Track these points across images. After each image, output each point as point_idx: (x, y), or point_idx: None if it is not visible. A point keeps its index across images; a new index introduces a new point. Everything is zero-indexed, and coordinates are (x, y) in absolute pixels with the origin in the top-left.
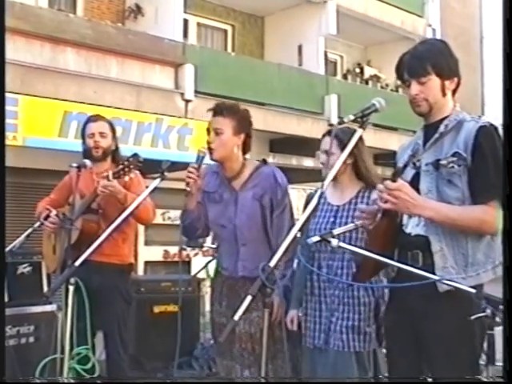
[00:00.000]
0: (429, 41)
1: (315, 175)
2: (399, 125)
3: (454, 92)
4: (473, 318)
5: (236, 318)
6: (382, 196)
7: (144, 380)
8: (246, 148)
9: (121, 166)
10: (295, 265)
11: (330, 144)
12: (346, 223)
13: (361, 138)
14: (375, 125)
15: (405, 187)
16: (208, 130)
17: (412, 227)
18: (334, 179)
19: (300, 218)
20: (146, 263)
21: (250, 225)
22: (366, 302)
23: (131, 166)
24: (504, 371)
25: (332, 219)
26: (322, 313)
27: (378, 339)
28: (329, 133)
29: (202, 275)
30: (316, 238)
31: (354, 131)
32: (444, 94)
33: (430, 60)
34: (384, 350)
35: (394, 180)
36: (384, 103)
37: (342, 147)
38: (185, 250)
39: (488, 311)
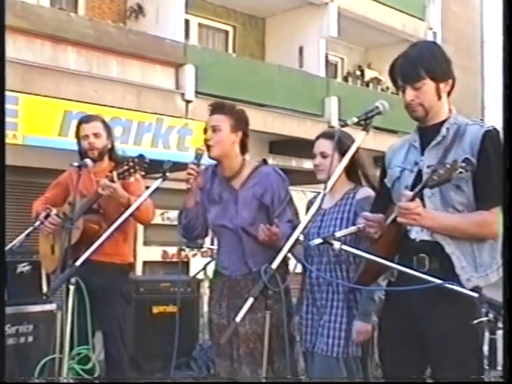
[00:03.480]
0: (420, 44)
1: (315, 177)
2: (399, 128)
3: (448, 94)
4: (475, 322)
5: (237, 319)
6: (407, 217)
7: (143, 381)
8: (243, 148)
9: (126, 167)
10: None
11: (333, 148)
12: (329, 226)
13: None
14: (375, 127)
15: (420, 204)
16: (205, 130)
17: (416, 232)
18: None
19: (302, 220)
20: (145, 263)
21: (251, 223)
22: (352, 307)
23: (136, 168)
24: (504, 371)
25: (319, 223)
26: (314, 316)
27: (366, 345)
28: (323, 135)
29: (200, 276)
30: (318, 241)
31: (349, 135)
32: (439, 98)
33: (422, 64)
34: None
35: (412, 199)
36: (388, 106)
37: (339, 150)
38: (184, 250)
39: (490, 315)
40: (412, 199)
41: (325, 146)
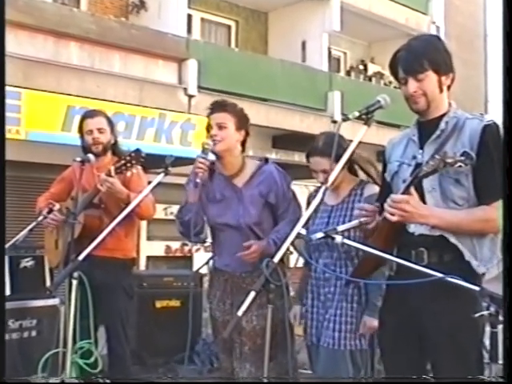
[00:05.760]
0: (422, 37)
1: None
2: (402, 122)
3: (448, 88)
4: (477, 315)
5: (239, 313)
6: (390, 210)
7: (147, 379)
8: (244, 145)
9: (123, 161)
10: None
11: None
12: (337, 223)
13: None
14: (378, 122)
15: (412, 199)
16: (208, 127)
17: (415, 226)
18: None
19: (304, 215)
20: (148, 258)
21: (257, 221)
22: (360, 301)
23: (133, 162)
24: (504, 370)
25: (326, 219)
26: (319, 310)
27: (371, 338)
28: (319, 153)
29: (204, 271)
30: (320, 235)
31: (341, 140)
32: (441, 90)
33: (426, 56)
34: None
35: (404, 191)
36: (389, 100)
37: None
38: (187, 245)
39: (492, 309)
40: (403, 192)
41: (323, 164)
